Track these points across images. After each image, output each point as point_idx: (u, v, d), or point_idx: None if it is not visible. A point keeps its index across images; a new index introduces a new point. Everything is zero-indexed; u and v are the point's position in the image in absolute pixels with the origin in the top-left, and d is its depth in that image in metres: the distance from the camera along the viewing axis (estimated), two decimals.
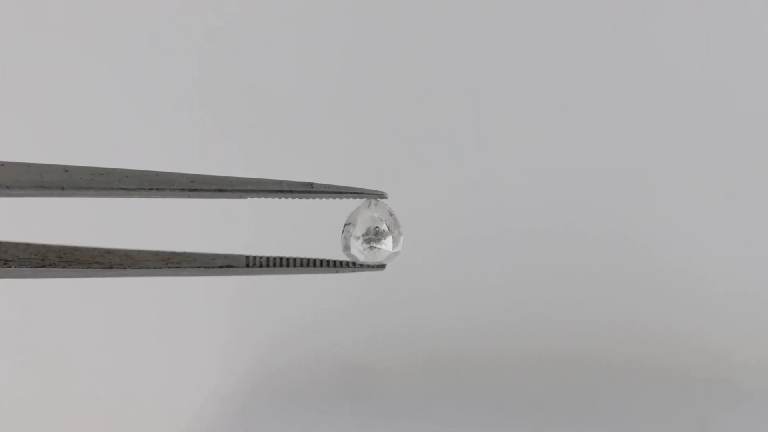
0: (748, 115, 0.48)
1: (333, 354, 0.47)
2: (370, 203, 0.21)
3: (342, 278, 0.46)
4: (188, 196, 0.19)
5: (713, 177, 0.48)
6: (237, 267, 0.21)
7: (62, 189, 0.17)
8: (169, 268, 0.21)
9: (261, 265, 0.21)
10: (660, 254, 0.48)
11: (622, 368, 0.47)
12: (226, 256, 0.22)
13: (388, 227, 0.20)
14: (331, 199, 0.21)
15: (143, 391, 0.45)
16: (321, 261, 0.21)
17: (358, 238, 0.20)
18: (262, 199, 0.21)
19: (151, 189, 0.18)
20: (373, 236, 0.20)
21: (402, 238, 0.21)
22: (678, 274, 0.48)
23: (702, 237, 0.48)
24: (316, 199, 0.21)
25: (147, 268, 0.21)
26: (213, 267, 0.21)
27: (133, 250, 0.21)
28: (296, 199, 0.20)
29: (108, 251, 0.21)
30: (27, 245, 0.21)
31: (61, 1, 0.45)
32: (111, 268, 0.21)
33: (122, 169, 0.20)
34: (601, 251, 0.48)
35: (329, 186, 0.21)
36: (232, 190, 0.19)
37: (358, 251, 0.21)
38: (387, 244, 0.21)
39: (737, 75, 0.47)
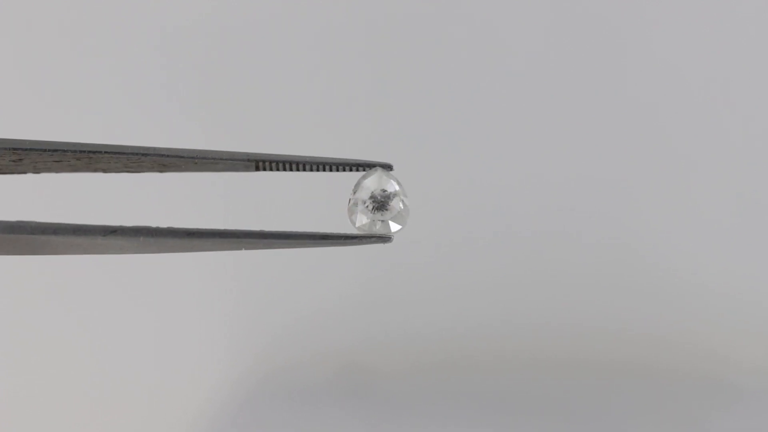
0: (740, 123, 0.48)
1: (333, 354, 0.47)
2: (377, 170, 0.21)
3: (342, 278, 0.47)
4: (195, 163, 0.19)
5: (707, 183, 0.48)
6: (246, 237, 0.21)
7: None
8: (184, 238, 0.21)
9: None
10: (657, 259, 0.48)
11: (620, 369, 0.48)
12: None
13: (396, 189, 0.20)
14: (337, 178, 0.21)
15: (143, 389, 0.45)
16: (327, 234, 0.21)
17: (364, 201, 0.20)
18: (270, 172, 0.21)
19: (162, 155, 0.18)
20: (380, 196, 0.20)
21: (408, 205, 0.21)
22: (675, 279, 0.48)
23: (698, 242, 0.49)
24: (323, 171, 0.21)
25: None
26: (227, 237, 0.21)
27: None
28: (303, 171, 0.21)
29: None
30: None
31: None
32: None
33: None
34: (599, 256, 0.48)
35: (336, 158, 0.21)
36: (241, 160, 0.20)
37: (364, 211, 0.20)
38: (393, 204, 0.20)
39: (731, 81, 0.48)
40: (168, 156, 0.18)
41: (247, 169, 0.21)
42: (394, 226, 0.20)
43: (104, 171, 0.21)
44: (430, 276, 0.47)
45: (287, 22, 0.46)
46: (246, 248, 0.20)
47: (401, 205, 0.20)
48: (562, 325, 0.48)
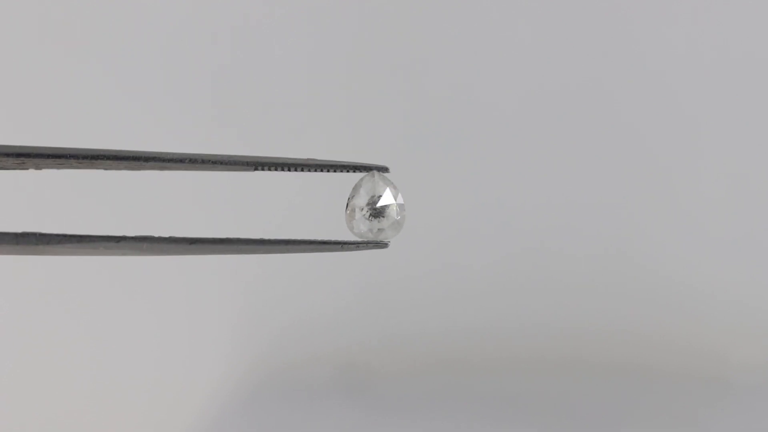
0: (729, 128, 0.49)
1: (333, 354, 0.47)
2: (373, 175, 0.21)
3: (342, 279, 0.47)
4: (198, 168, 0.19)
5: (703, 186, 0.49)
6: (246, 243, 0.22)
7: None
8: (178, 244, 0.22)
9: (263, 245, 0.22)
10: (655, 262, 0.49)
11: (619, 370, 0.48)
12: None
13: (391, 198, 0.21)
14: (334, 179, 0.22)
15: (145, 388, 0.45)
16: (325, 240, 0.21)
17: (362, 208, 0.20)
18: (269, 175, 0.22)
19: (163, 161, 0.18)
20: (377, 203, 0.20)
21: (405, 211, 0.21)
22: (673, 281, 0.49)
23: (695, 244, 0.49)
24: (320, 172, 0.21)
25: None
26: (227, 244, 0.21)
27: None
28: (300, 171, 0.21)
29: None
30: None
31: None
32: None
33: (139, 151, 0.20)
34: (598, 259, 0.49)
35: (332, 160, 0.21)
36: (240, 162, 0.20)
37: (362, 219, 0.21)
38: (391, 212, 0.21)
39: (727, 83, 0.48)
40: (169, 161, 0.18)
41: (245, 169, 0.21)
42: (391, 233, 0.20)
43: (105, 168, 0.22)
44: (430, 277, 0.48)
45: (289, 26, 0.47)
46: (248, 253, 0.20)
47: (397, 213, 0.20)
48: (561, 327, 0.48)
